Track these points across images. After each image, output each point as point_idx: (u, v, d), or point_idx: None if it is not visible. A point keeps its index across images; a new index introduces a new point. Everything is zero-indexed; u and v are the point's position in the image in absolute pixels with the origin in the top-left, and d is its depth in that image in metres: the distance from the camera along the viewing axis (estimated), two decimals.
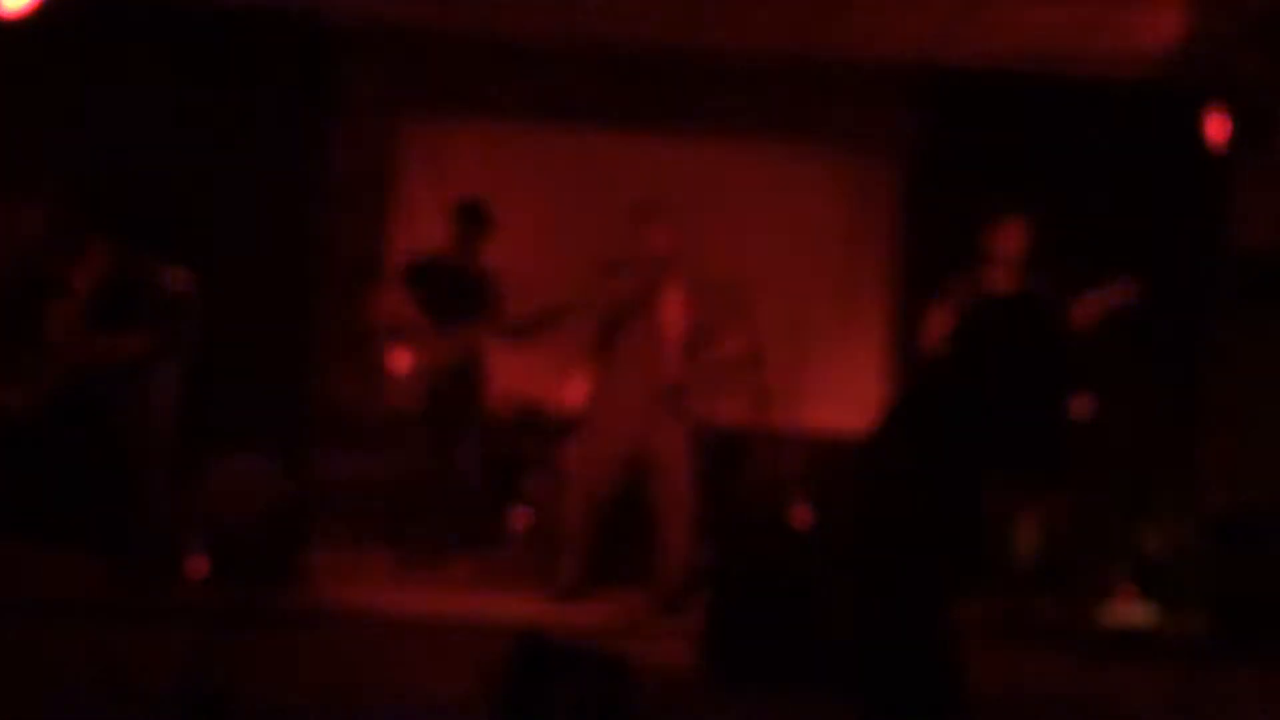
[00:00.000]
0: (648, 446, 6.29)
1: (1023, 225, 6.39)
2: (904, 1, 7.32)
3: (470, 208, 7.08)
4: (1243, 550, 6.20)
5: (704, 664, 4.99)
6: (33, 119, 7.52)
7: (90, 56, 7.65)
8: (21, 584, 5.52)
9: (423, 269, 7.02)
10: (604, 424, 6.36)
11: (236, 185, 7.86)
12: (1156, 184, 7.87)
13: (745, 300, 6.75)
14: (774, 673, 4.79)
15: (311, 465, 7.66)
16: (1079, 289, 6.33)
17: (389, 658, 4.81)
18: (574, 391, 7.29)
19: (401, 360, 6.78)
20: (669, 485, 6.28)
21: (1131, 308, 6.18)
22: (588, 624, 5.74)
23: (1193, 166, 7.78)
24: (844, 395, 8.01)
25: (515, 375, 7.53)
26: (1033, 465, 3.77)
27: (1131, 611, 6.48)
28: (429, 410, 6.82)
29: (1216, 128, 7.44)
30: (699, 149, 8.31)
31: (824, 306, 8.28)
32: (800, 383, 7.84)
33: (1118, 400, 7.55)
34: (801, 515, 7.21)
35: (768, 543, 7.23)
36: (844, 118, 8.38)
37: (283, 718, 3.74)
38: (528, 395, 7.63)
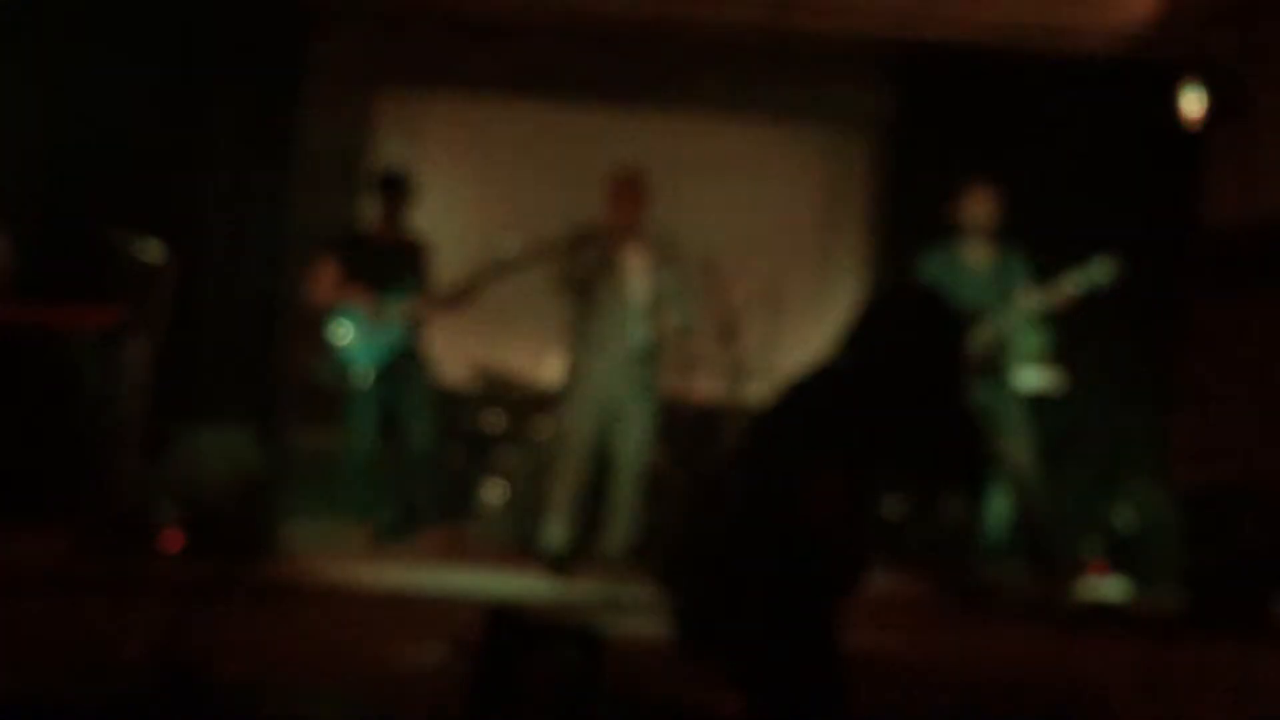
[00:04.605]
0: (621, 411, 6.40)
1: (991, 193, 6.44)
2: None
3: (390, 178, 6.96)
4: (1214, 525, 6.24)
5: (677, 637, 4.99)
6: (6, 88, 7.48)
7: (61, 27, 7.59)
8: None
9: (350, 242, 6.97)
10: (583, 393, 6.39)
11: (211, 158, 7.84)
12: (1129, 160, 7.89)
13: (719, 275, 6.75)
14: (744, 647, 4.79)
15: (285, 437, 7.65)
16: (1054, 266, 6.37)
17: (362, 631, 4.81)
18: (551, 369, 7.29)
19: (343, 334, 6.73)
20: (628, 444, 6.41)
21: (1109, 285, 6.23)
22: (562, 596, 5.75)
23: (1165, 143, 7.80)
24: None
25: (486, 348, 7.54)
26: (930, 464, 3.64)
27: (1103, 586, 6.52)
28: (376, 383, 6.79)
29: (1189, 104, 7.46)
30: (674, 123, 8.30)
31: (798, 282, 8.28)
32: (774, 359, 7.84)
33: (1090, 376, 7.59)
34: None
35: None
36: (818, 92, 8.38)
37: (257, 691, 3.73)
38: (498, 368, 7.62)
